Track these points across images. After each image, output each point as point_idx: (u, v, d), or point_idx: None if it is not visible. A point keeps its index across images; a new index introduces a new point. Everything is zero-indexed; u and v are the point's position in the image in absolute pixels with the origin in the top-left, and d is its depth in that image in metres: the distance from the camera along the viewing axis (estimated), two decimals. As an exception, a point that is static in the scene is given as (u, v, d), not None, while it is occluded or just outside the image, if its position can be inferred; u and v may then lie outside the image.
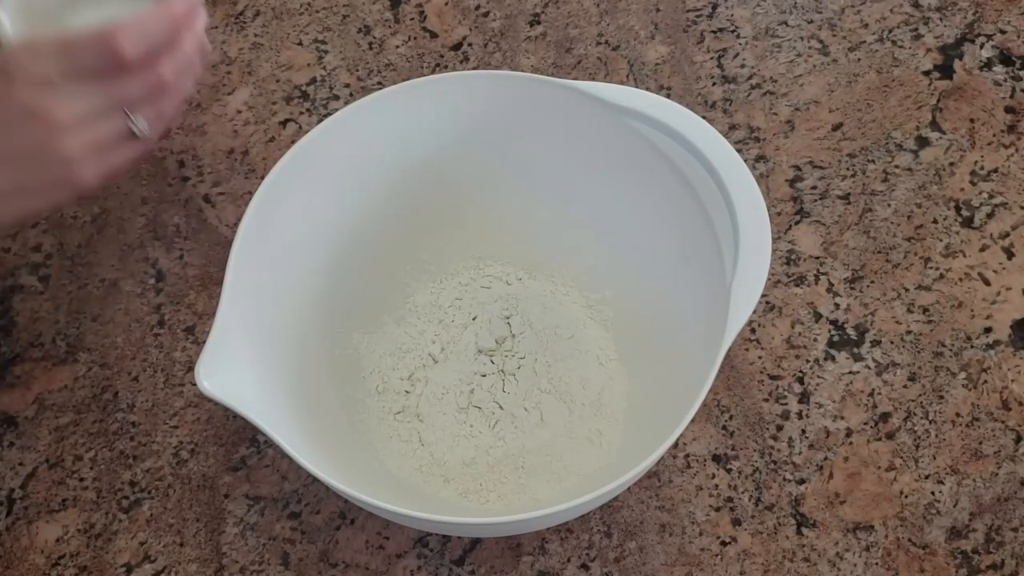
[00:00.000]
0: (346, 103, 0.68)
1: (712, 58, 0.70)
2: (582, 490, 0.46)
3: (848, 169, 0.65)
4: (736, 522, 0.55)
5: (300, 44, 0.72)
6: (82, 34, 0.48)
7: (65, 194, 0.51)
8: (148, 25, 0.50)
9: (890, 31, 0.71)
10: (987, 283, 0.61)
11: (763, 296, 0.60)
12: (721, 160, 0.52)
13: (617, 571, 0.54)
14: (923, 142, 0.66)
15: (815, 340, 0.60)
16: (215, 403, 0.49)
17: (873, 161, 0.66)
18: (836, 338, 0.60)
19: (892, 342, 0.59)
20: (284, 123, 0.69)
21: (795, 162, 0.66)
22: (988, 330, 0.60)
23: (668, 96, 0.67)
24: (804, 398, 0.58)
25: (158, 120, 0.53)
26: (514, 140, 0.57)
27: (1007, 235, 0.63)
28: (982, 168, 0.65)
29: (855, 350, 0.59)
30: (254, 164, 0.67)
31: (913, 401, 0.58)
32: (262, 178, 0.52)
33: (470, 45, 0.71)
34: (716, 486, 0.56)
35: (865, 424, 0.57)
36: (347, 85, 0.70)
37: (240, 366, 0.47)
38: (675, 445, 0.56)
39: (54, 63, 0.48)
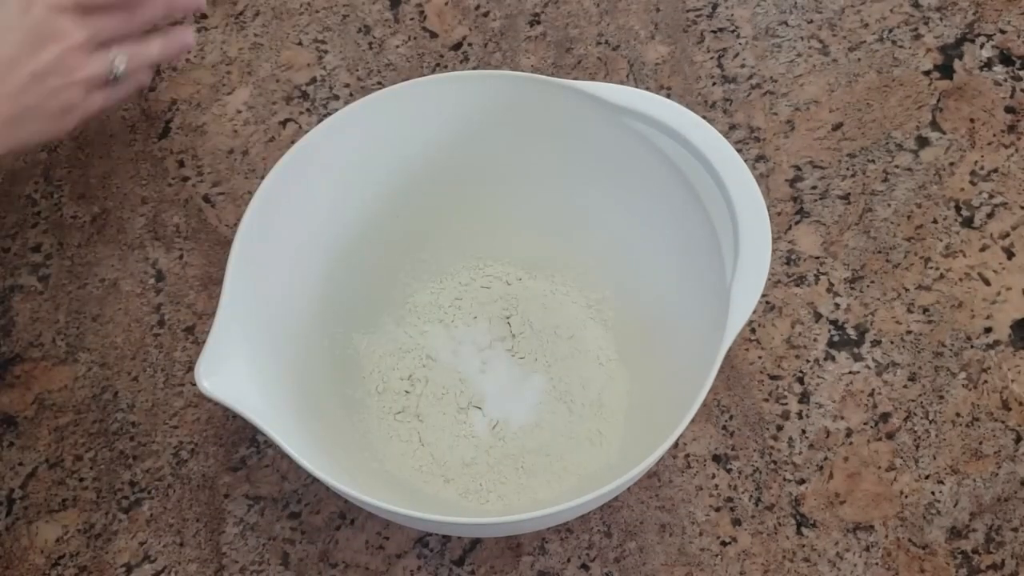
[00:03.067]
0: (346, 103, 0.68)
1: (712, 58, 0.70)
2: (582, 490, 0.46)
3: (848, 169, 0.65)
4: (736, 522, 0.55)
5: (300, 44, 0.72)
6: None
7: (66, 123, 0.57)
8: None
9: (890, 31, 0.71)
10: (987, 283, 0.61)
11: (763, 296, 0.60)
12: (721, 160, 0.52)
13: (617, 571, 0.54)
14: (923, 142, 0.66)
15: (815, 340, 0.60)
16: (215, 403, 0.49)
17: (873, 161, 0.66)
18: (836, 338, 0.60)
19: (892, 342, 0.59)
20: (284, 123, 0.68)
21: (795, 162, 0.66)
22: (988, 330, 0.60)
23: (668, 96, 0.67)
24: (804, 398, 0.58)
25: (137, 68, 0.60)
26: (514, 140, 0.57)
27: (1007, 235, 0.63)
28: (982, 168, 0.65)
29: (855, 350, 0.59)
30: (254, 164, 0.67)
31: (913, 401, 0.58)
32: (262, 178, 0.52)
33: (470, 45, 0.71)
34: (716, 486, 0.56)
35: (865, 424, 0.57)
36: (347, 85, 0.70)
37: (240, 366, 0.47)
38: (675, 445, 0.56)
39: None
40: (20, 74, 0.54)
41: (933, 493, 0.55)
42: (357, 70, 0.71)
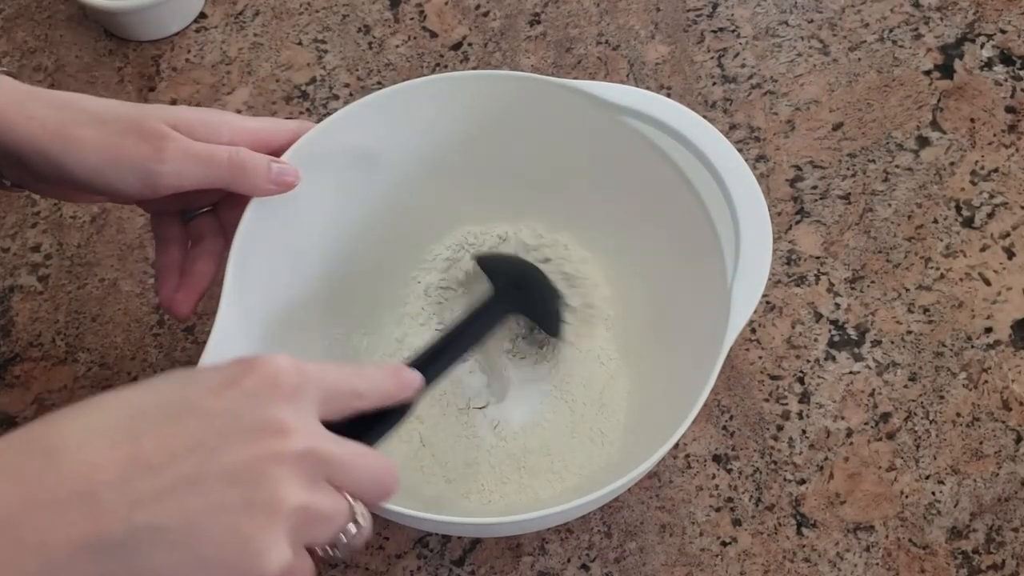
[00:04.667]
0: (346, 103, 0.68)
1: (712, 58, 0.70)
2: (583, 490, 0.46)
3: (848, 169, 0.65)
4: (736, 522, 0.55)
5: (300, 44, 0.72)
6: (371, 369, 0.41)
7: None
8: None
9: (890, 31, 0.71)
10: (987, 283, 0.61)
11: (763, 296, 0.60)
12: (722, 160, 0.52)
13: (617, 571, 0.54)
14: (923, 142, 0.66)
15: (815, 340, 0.60)
16: (215, 403, 0.49)
17: (873, 161, 0.66)
18: (836, 338, 0.60)
19: (892, 342, 0.59)
20: (284, 123, 0.68)
21: (795, 162, 0.66)
22: (988, 330, 0.60)
23: (668, 96, 0.67)
24: (804, 398, 0.58)
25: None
26: (514, 140, 0.57)
27: (1007, 235, 0.63)
28: (982, 168, 0.65)
29: (855, 350, 0.59)
30: (254, 164, 0.67)
31: (913, 401, 0.58)
32: (262, 178, 0.52)
33: (470, 45, 0.71)
34: (716, 486, 0.56)
35: (865, 424, 0.57)
36: (347, 85, 0.70)
37: (240, 366, 0.47)
38: (675, 445, 0.56)
39: (321, 387, 0.37)
40: (177, 473, 0.33)
41: (933, 493, 0.55)
42: (357, 70, 0.71)
